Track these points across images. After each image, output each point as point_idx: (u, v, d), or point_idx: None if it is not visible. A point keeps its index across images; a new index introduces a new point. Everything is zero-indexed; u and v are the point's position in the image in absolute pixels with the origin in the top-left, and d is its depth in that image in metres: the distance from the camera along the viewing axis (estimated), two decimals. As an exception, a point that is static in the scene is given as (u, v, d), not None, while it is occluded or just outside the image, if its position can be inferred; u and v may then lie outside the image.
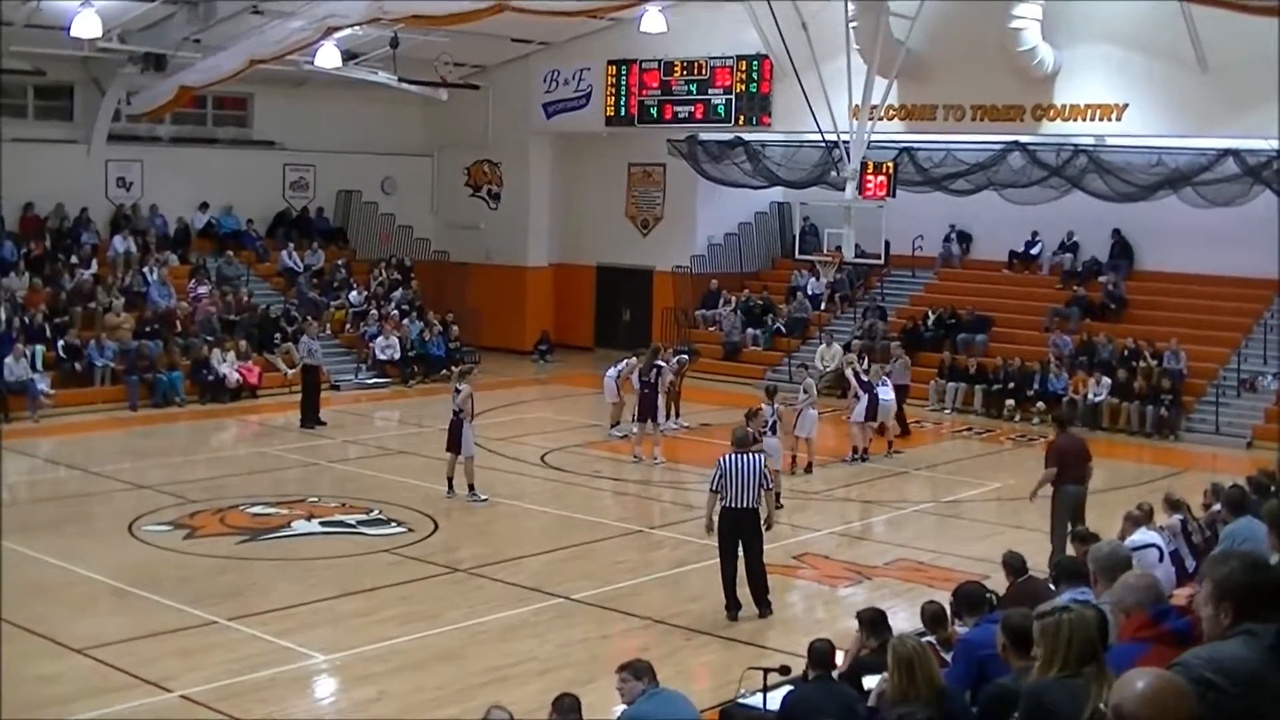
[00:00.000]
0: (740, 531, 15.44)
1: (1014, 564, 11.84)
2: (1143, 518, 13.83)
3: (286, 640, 14.60)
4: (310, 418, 27.73)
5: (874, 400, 25.08)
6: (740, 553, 15.52)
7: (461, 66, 34.36)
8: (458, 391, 21.72)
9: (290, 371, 31.07)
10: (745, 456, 15.40)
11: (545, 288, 39.51)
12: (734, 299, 36.55)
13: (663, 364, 26.16)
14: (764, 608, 15.55)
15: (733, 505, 15.34)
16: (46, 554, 17.66)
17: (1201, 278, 31.55)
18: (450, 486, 21.53)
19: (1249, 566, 4.97)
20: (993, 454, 26.68)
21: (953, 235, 35.82)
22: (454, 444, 21.46)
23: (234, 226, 36.16)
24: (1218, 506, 14.75)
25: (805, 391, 24.10)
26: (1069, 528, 16.71)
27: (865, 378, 25.45)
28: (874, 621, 10.02)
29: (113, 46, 29.43)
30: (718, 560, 15.64)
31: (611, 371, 27.47)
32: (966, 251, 35.92)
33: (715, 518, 15.53)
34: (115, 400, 29.00)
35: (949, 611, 10.03)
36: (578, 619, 15.70)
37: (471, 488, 21.37)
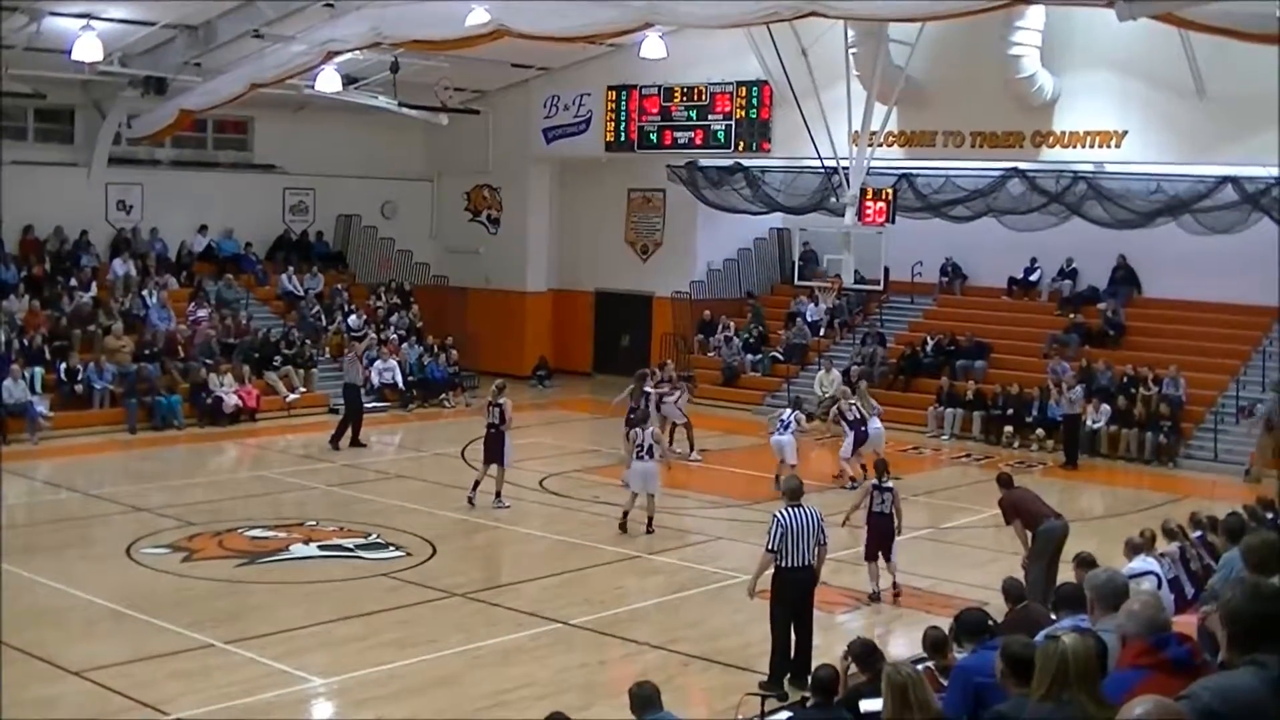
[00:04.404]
0: (798, 594, 14.14)
1: (1013, 591, 11.83)
2: (1143, 545, 13.82)
3: (284, 664, 14.57)
4: (353, 437, 28.09)
5: (860, 436, 25.21)
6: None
7: (461, 91, 34.41)
8: (498, 406, 22.70)
9: (291, 396, 31.14)
10: (802, 510, 14.19)
11: (544, 313, 39.53)
12: (733, 324, 36.56)
13: (650, 390, 26.24)
14: (806, 680, 13.58)
15: (791, 565, 14.01)
16: (45, 576, 17.64)
17: (1200, 305, 31.59)
18: (497, 495, 22.64)
19: (1251, 594, 4.96)
20: (991, 480, 26.52)
21: (949, 268, 35.86)
22: (493, 455, 22.65)
23: (234, 250, 36.18)
24: (1198, 533, 14.83)
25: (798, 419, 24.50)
26: (1046, 568, 16.56)
27: (854, 415, 25.47)
28: (864, 653, 9.93)
29: (113, 70, 29.47)
30: (770, 626, 14.21)
31: (618, 399, 27.57)
32: (962, 280, 35.92)
33: (761, 578, 14.29)
34: (114, 423, 29.00)
35: (949, 637, 10.00)
36: (576, 644, 15.69)
37: (499, 494, 22.61)
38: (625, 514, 21.16)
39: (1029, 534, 16.82)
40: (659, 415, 26.20)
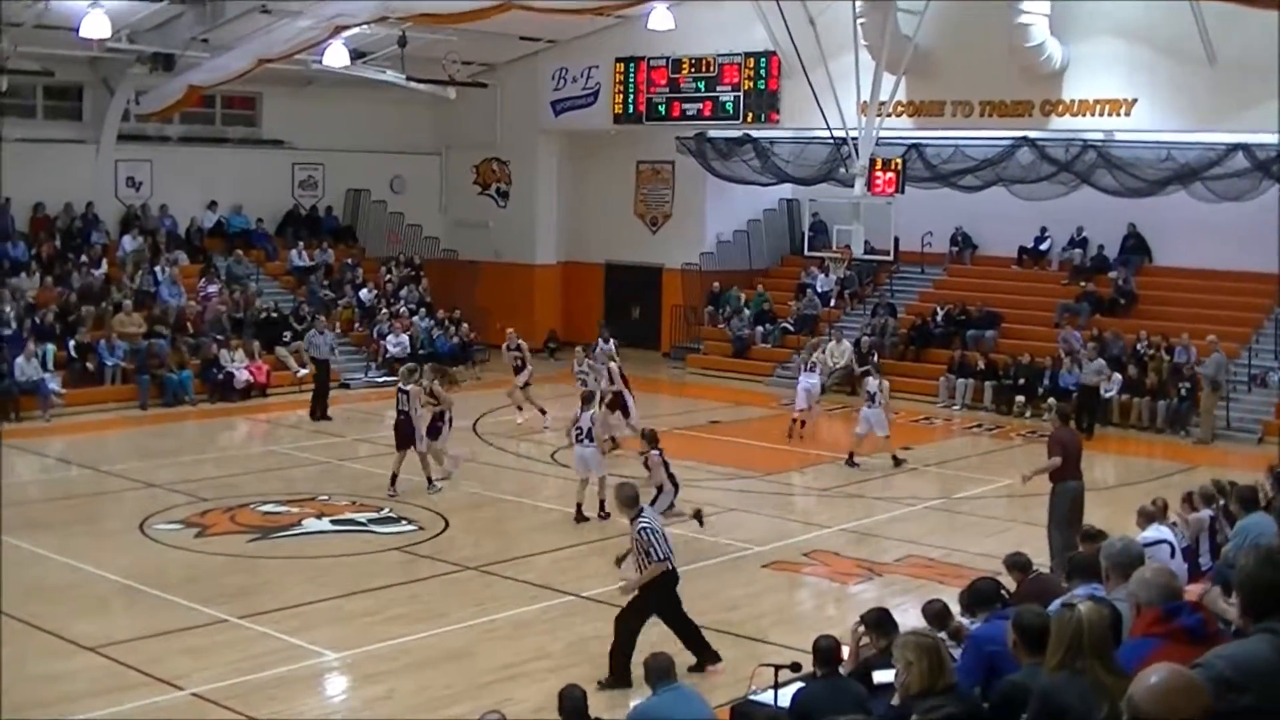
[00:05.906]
0: (672, 592, 13.79)
1: (1020, 562, 11.76)
2: (1155, 513, 13.79)
3: (296, 638, 14.61)
4: (320, 410, 28.20)
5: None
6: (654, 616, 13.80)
7: (469, 65, 34.38)
8: (404, 393, 21.81)
9: (302, 371, 31.17)
10: (653, 513, 14.18)
11: (554, 286, 39.52)
12: (743, 296, 36.49)
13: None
14: (713, 654, 13.78)
15: (674, 566, 13.73)
16: (57, 553, 17.69)
17: (1211, 273, 31.47)
18: (429, 480, 21.93)
19: (1263, 561, 4.94)
20: (1002, 450, 26.61)
21: (959, 238, 35.77)
22: (403, 442, 21.74)
23: (243, 225, 36.17)
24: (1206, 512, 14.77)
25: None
26: (1069, 525, 16.66)
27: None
28: (879, 621, 9.93)
29: (121, 46, 29.47)
30: (615, 626, 13.68)
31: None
32: (972, 250, 35.82)
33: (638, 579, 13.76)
34: (126, 399, 29.04)
35: (960, 607, 10.01)
36: (588, 616, 15.68)
37: (431, 480, 21.94)
38: (578, 505, 20.19)
39: (1051, 482, 17.17)
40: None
